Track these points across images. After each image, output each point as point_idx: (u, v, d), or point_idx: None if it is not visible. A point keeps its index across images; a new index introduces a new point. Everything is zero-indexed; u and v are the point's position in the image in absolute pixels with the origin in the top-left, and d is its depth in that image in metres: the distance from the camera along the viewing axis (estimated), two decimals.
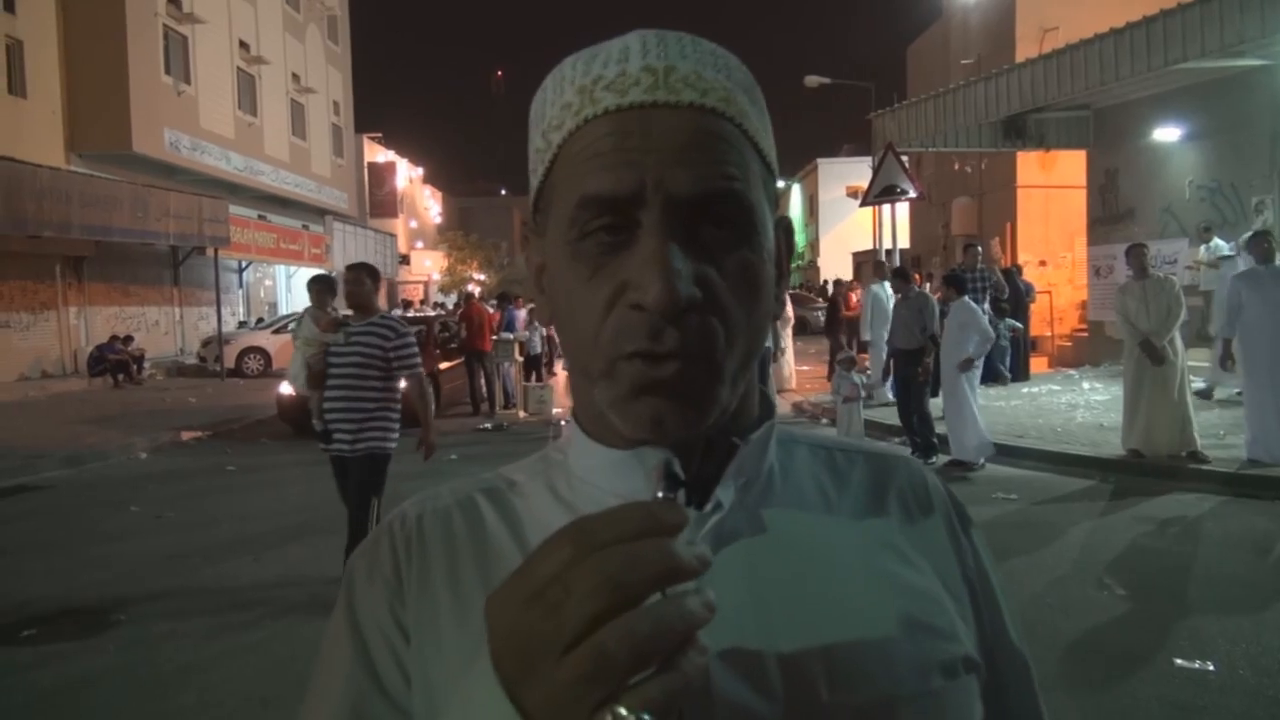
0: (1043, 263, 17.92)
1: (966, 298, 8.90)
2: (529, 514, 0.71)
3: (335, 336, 5.43)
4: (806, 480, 0.73)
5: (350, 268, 5.59)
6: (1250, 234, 8.29)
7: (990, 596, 0.75)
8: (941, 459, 8.79)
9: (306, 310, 6.68)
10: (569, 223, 0.64)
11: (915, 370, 8.91)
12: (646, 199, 0.61)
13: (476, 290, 18.47)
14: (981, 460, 8.59)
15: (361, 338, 5.26)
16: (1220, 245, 11.81)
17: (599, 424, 0.69)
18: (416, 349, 5.40)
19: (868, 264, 11.02)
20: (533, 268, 0.73)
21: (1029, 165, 18.42)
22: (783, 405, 12.23)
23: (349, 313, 5.50)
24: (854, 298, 16.54)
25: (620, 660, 0.43)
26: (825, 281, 32.29)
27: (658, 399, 0.61)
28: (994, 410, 11.04)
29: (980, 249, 11.28)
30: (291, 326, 23.41)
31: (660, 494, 0.59)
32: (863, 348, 13.49)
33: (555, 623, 0.44)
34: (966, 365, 8.53)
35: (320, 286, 6.41)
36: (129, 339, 19.94)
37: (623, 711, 0.43)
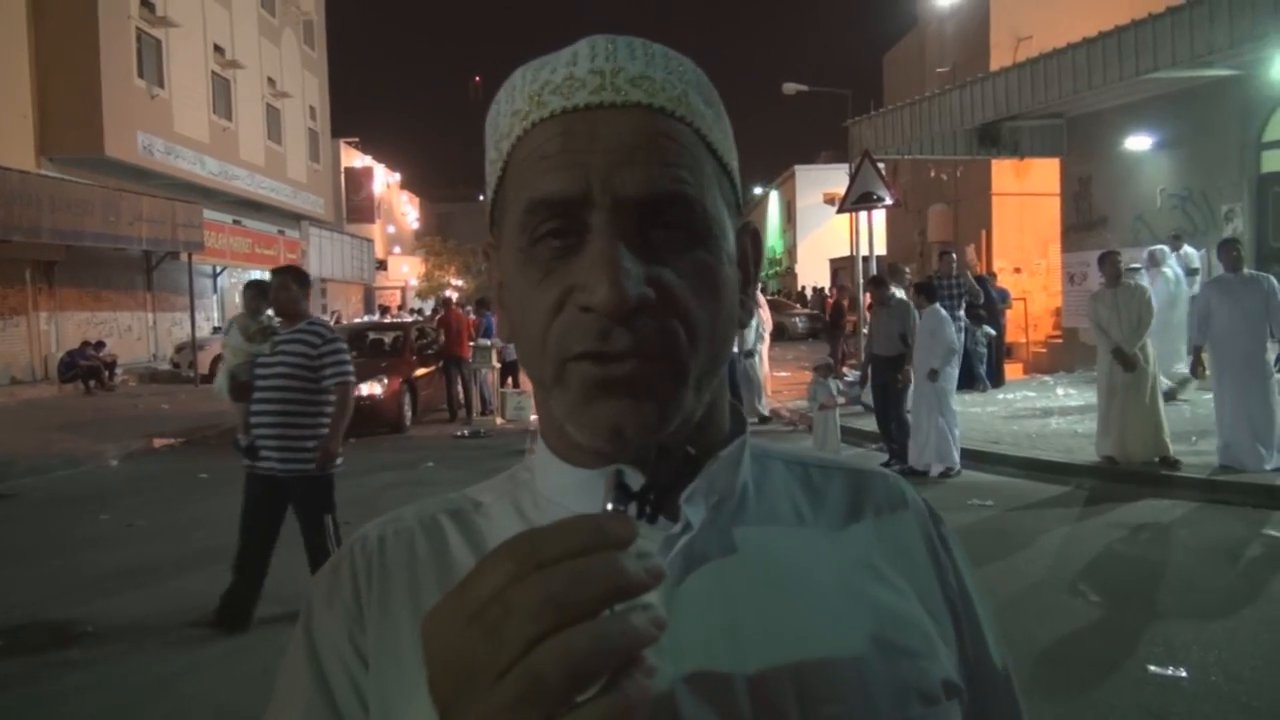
0: (1018, 269, 18.07)
1: (938, 305, 8.94)
2: (494, 535, 0.69)
3: (262, 346, 5.19)
4: (781, 498, 0.70)
5: (276, 272, 5.31)
6: (1220, 241, 8.39)
7: (972, 617, 0.72)
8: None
9: (235, 318, 6.44)
10: (519, 228, 0.63)
11: (894, 376, 8.95)
12: (594, 200, 0.60)
13: (454, 296, 18.37)
14: (941, 468, 8.60)
15: (287, 346, 4.95)
16: (1191, 254, 11.95)
17: (563, 440, 0.67)
18: (346, 356, 5.06)
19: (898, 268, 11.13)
20: (494, 284, 0.71)
21: (1004, 173, 18.59)
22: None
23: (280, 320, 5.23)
24: (846, 304, 16.70)
25: (554, 683, 0.40)
26: (803, 288, 32.42)
27: (614, 402, 0.59)
28: (969, 416, 11.09)
29: (955, 256, 11.36)
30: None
31: (610, 505, 0.56)
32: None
33: (493, 645, 0.42)
34: (933, 376, 8.56)
35: (254, 292, 6.14)
36: (100, 344, 19.69)
37: None
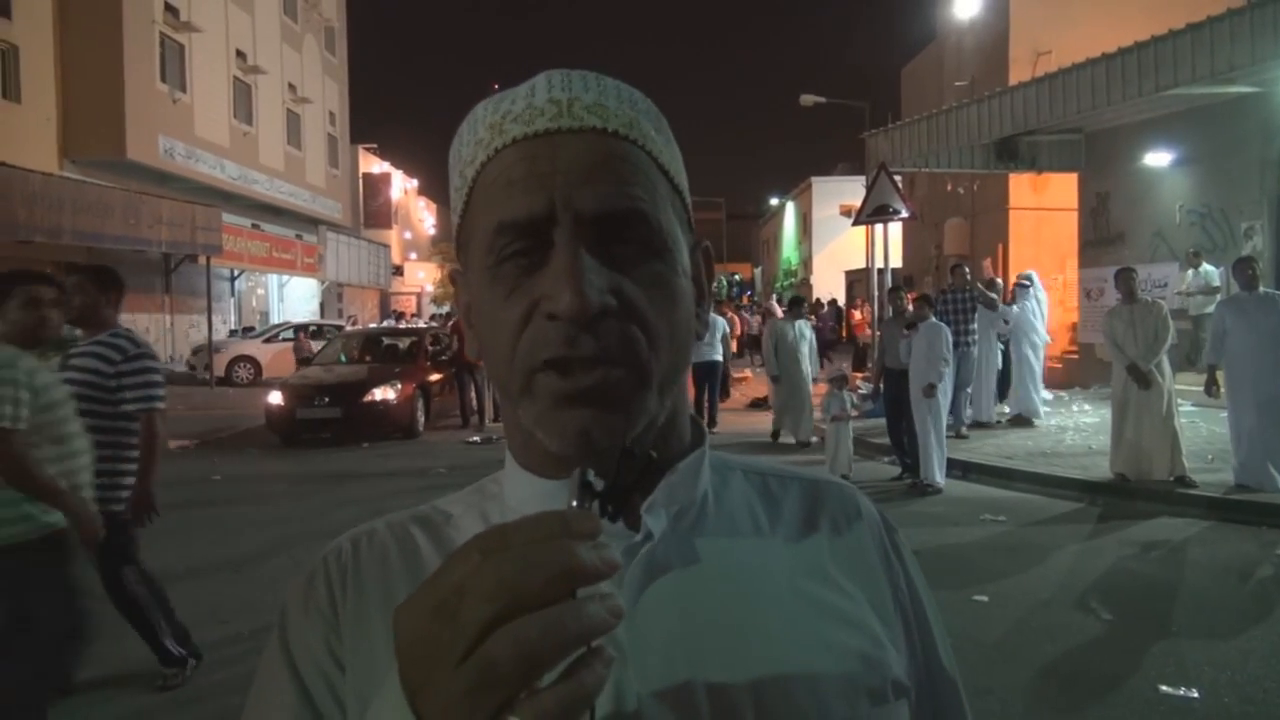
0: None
1: (933, 318, 8.89)
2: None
3: (50, 362, 4.02)
4: (740, 507, 0.73)
5: (76, 269, 4.51)
6: (1235, 260, 8.32)
7: (923, 620, 0.75)
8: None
9: None
10: (487, 250, 0.66)
11: (906, 389, 8.90)
12: (557, 218, 0.63)
13: None
14: (939, 482, 8.56)
15: (78, 361, 4.07)
16: (1211, 272, 11.86)
17: (528, 452, 0.70)
18: (154, 376, 4.13)
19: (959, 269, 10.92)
20: (462, 306, 0.74)
21: (1021, 187, 18.52)
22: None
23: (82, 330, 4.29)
24: (856, 315, 16.56)
25: (506, 669, 0.41)
26: (818, 300, 32.36)
27: (582, 409, 0.62)
28: (983, 432, 11.06)
29: (968, 269, 11.29)
30: (284, 335, 23.31)
31: (575, 503, 0.57)
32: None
33: (452, 631, 0.43)
34: (930, 391, 8.51)
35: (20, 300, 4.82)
36: None
37: None
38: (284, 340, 22.83)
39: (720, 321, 13.08)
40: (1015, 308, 11.86)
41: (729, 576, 0.68)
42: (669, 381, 0.66)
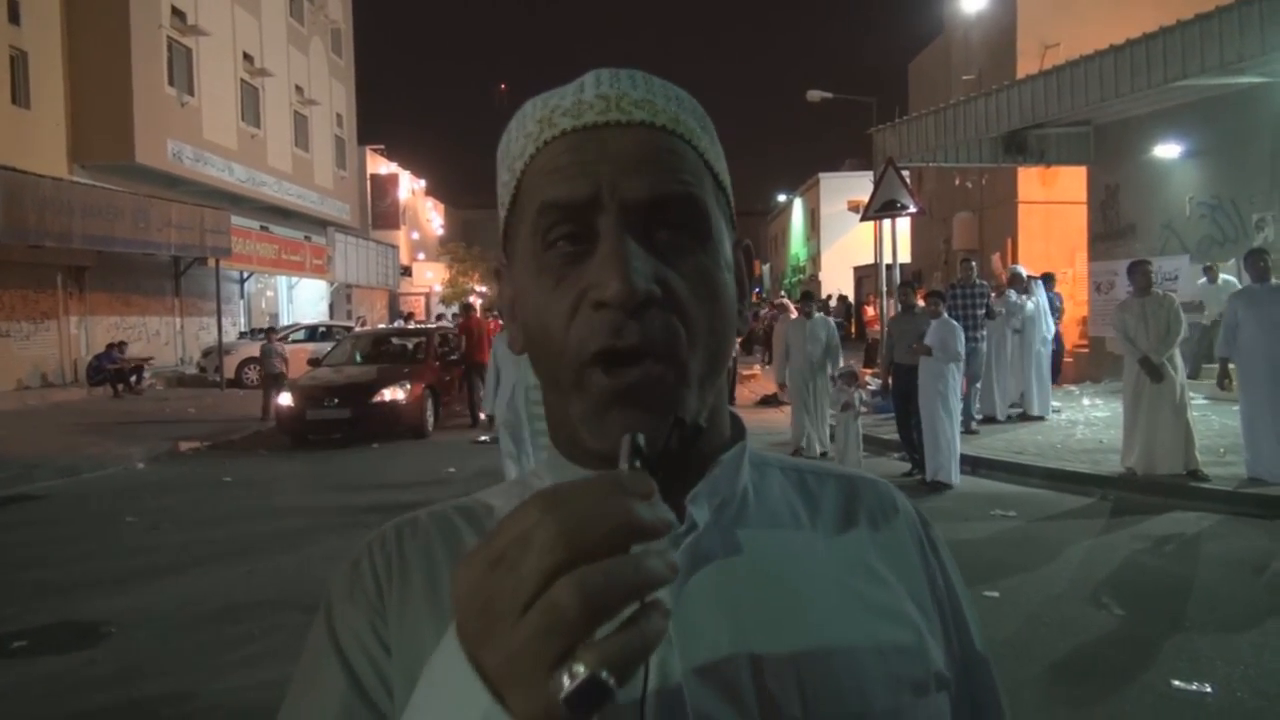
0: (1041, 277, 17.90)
1: (946, 314, 8.87)
2: None
3: None
4: (779, 501, 0.74)
5: None
6: (1247, 252, 8.26)
7: (959, 613, 0.77)
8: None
9: None
10: (532, 233, 0.67)
11: (915, 385, 8.88)
12: (603, 205, 0.64)
13: (477, 302, 18.46)
14: (954, 480, 8.52)
15: None
16: (1231, 282, 11.70)
17: (573, 445, 0.71)
18: None
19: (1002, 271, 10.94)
20: (505, 300, 0.75)
21: (1030, 181, 18.45)
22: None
23: None
24: (870, 310, 16.46)
25: (572, 615, 0.42)
26: (829, 296, 32.26)
27: (627, 411, 0.63)
28: (995, 427, 11.03)
29: (975, 264, 11.24)
30: (294, 337, 23.38)
31: (625, 466, 0.58)
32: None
33: (514, 581, 0.44)
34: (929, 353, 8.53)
35: None
36: (122, 345, 19.90)
37: (579, 668, 0.42)
38: (294, 342, 22.92)
39: None
40: (1030, 301, 11.76)
41: (772, 567, 0.69)
42: (709, 377, 0.67)
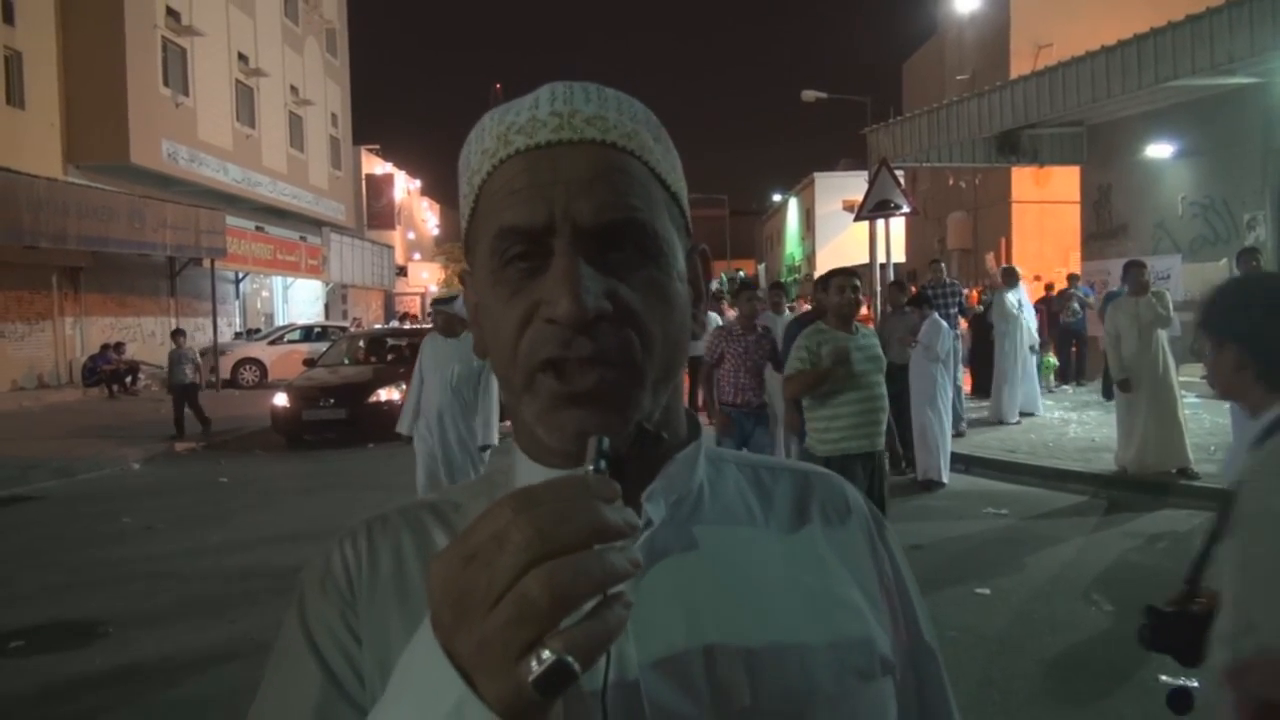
0: (1038, 277, 17.98)
1: (935, 315, 8.92)
2: None
3: None
4: (734, 497, 0.77)
5: None
6: (1239, 251, 8.31)
7: (906, 600, 0.80)
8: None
9: None
10: (490, 253, 0.70)
11: (906, 384, 8.90)
12: (556, 227, 0.67)
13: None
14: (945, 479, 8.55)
15: None
16: None
17: (534, 443, 0.74)
18: None
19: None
20: (470, 306, 0.78)
21: (1023, 181, 18.53)
22: None
23: None
24: (863, 310, 16.39)
25: (541, 605, 0.46)
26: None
27: (579, 410, 0.66)
28: (988, 425, 11.07)
29: (944, 265, 11.48)
30: (289, 338, 23.34)
31: (590, 468, 0.60)
32: None
33: (488, 575, 0.47)
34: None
35: None
36: (120, 346, 19.89)
37: (546, 654, 0.46)
38: (289, 343, 22.90)
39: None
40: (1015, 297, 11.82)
41: (725, 561, 0.72)
42: (663, 380, 0.70)
